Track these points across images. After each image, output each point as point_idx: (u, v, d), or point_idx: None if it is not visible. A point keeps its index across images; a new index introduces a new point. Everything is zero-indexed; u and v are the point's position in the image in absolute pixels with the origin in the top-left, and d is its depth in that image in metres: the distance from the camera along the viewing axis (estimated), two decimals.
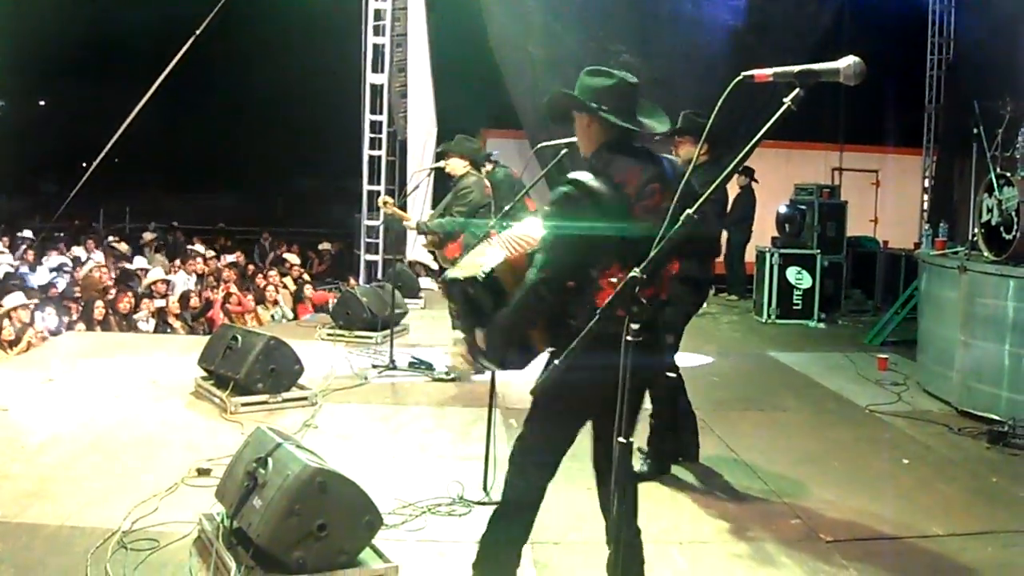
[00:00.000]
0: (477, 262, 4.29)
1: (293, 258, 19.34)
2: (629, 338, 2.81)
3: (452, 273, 4.34)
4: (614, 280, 3.78)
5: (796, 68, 2.73)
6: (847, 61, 2.66)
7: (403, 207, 10.22)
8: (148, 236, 21.13)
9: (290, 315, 16.06)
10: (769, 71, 2.78)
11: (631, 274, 2.76)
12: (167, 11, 18.93)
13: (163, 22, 19.05)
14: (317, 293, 17.04)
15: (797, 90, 2.72)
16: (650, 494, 6.38)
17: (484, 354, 4.17)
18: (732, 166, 2.83)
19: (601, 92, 4.08)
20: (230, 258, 18.65)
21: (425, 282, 16.06)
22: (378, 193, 10.43)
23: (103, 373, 9.48)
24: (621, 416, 2.93)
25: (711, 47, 15.31)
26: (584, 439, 4.36)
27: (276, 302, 16.20)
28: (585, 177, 3.83)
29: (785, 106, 2.72)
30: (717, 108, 2.94)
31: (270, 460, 4.97)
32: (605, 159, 4.01)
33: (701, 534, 5.87)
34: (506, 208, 6.62)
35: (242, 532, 4.92)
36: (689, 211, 2.81)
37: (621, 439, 2.86)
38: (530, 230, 4.32)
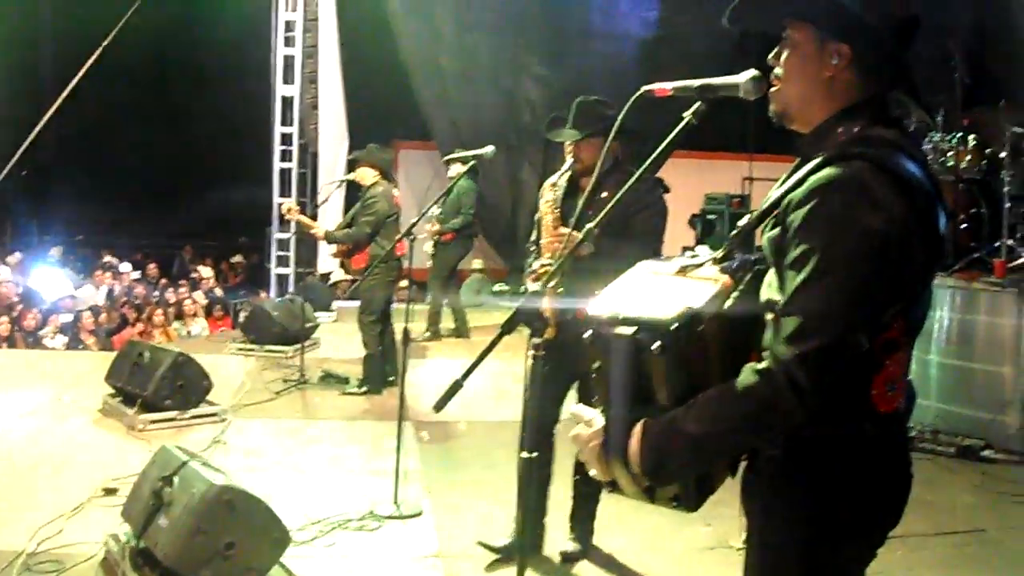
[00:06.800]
0: (650, 298, 2.52)
1: (205, 271, 19.14)
2: (532, 353, 2.80)
3: (603, 307, 2.51)
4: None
5: (696, 82, 2.72)
6: (746, 76, 2.65)
7: (314, 218, 10.17)
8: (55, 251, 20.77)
9: (201, 330, 15.91)
10: (669, 85, 2.76)
11: (532, 289, 2.74)
12: (73, 21, 18.64)
13: (70, 32, 18.79)
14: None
15: (698, 104, 2.71)
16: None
17: (642, 466, 2.42)
18: (632, 180, 2.79)
19: None
20: (135, 274, 18.43)
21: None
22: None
23: (8, 391, 9.30)
24: (531, 430, 2.91)
25: (623, 59, 15.43)
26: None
27: (195, 315, 16.02)
28: None
29: (686, 120, 2.71)
30: (618, 122, 2.94)
31: (176, 479, 4.92)
32: None
33: (618, 544, 5.89)
34: (413, 222, 6.61)
35: (148, 552, 4.87)
36: (590, 225, 2.79)
37: (524, 453, 2.84)
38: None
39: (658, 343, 2.36)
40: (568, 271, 4.83)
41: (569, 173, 5.61)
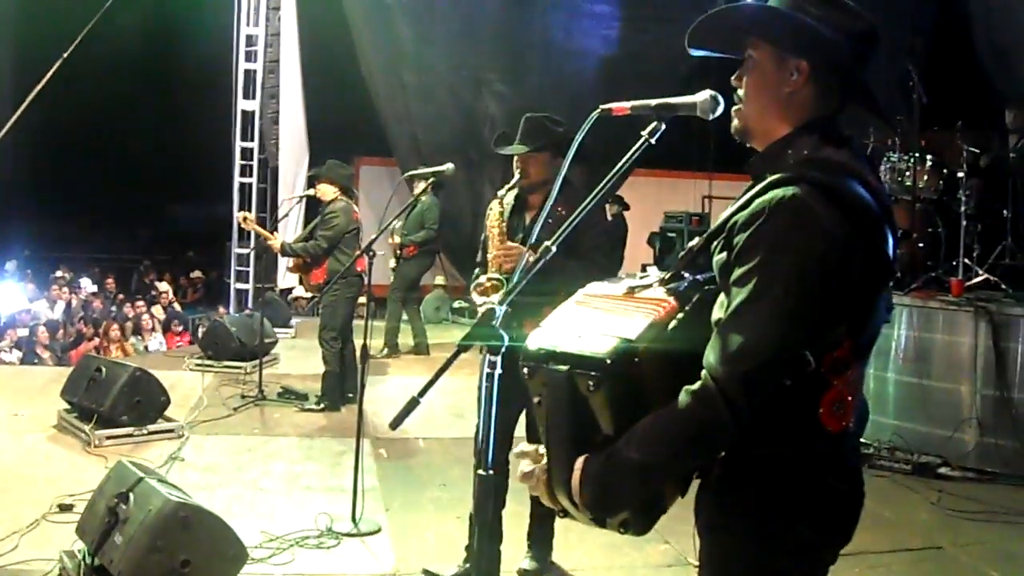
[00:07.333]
0: (587, 330, 2.51)
1: (163, 286, 19.04)
2: (488, 370, 2.76)
3: (540, 342, 2.55)
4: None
5: (654, 101, 2.72)
6: (703, 95, 2.65)
7: (274, 233, 10.14)
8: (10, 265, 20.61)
9: (159, 345, 15.81)
10: (628, 104, 2.76)
11: (488, 307, 2.70)
12: (32, 32, 18.52)
13: (29, 43, 18.66)
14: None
15: (655, 123, 2.70)
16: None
17: (585, 501, 2.46)
18: (590, 199, 2.77)
19: None
20: (92, 288, 18.31)
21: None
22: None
23: None
24: (487, 448, 2.87)
25: (583, 76, 15.46)
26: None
27: (153, 330, 15.92)
28: None
29: (643, 139, 2.70)
30: (577, 141, 2.92)
31: (131, 495, 4.87)
32: None
33: (576, 562, 5.87)
34: (373, 238, 6.59)
35: (103, 570, 4.82)
36: (547, 243, 2.76)
37: (481, 471, 2.81)
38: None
39: (592, 381, 2.38)
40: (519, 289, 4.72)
41: (516, 189, 5.57)
